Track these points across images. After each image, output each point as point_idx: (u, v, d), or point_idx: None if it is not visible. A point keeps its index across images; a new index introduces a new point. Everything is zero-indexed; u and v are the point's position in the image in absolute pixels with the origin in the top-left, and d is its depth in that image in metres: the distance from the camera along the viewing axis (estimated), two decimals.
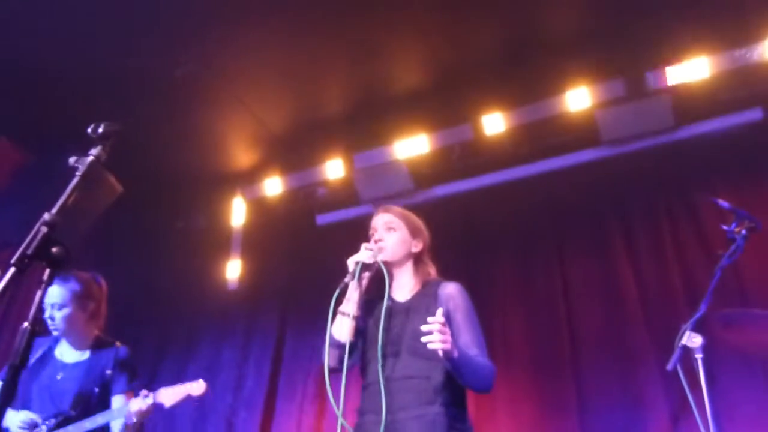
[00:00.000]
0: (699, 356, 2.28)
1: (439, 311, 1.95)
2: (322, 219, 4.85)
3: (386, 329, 2.18)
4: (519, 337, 3.97)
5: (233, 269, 5.08)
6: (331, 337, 2.19)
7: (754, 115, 3.73)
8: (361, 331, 2.30)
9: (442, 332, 1.89)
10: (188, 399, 2.84)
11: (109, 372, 2.87)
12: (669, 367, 2.29)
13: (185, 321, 5.09)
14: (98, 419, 2.71)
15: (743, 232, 2.42)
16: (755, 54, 3.66)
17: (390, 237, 2.36)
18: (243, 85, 4.21)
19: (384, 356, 2.12)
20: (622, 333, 3.69)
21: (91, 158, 1.39)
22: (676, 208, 3.91)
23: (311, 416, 4.32)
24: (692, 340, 2.30)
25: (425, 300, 2.24)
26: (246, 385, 4.73)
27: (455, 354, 1.95)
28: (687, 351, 2.31)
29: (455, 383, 2.09)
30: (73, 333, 2.90)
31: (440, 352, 1.89)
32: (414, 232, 2.41)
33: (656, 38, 3.81)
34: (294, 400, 4.44)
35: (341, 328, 2.21)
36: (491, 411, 3.83)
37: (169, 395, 2.80)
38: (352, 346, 2.21)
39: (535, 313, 4.01)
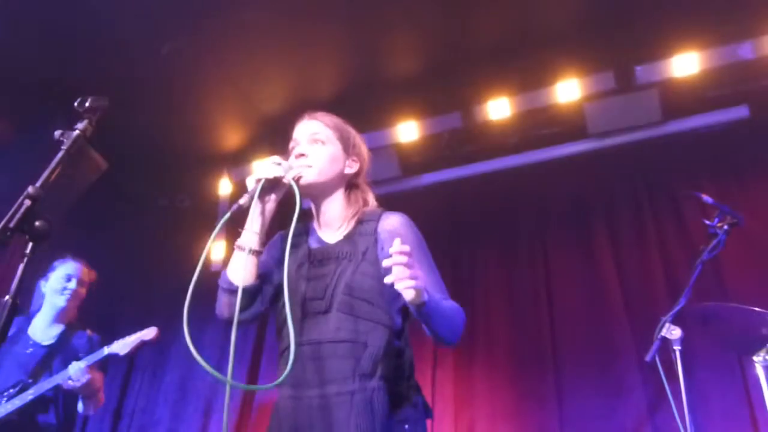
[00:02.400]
0: (677, 348, 2.32)
1: (397, 241, 1.44)
2: (308, 202, 4.83)
3: (308, 279, 1.70)
4: (501, 325, 4.00)
5: (217, 250, 5.05)
6: (224, 279, 1.72)
7: (740, 112, 3.76)
8: (268, 276, 1.79)
9: (409, 266, 1.42)
10: (142, 346, 2.98)
11: (82, 356, 2.98)
12: (648, 358, 2.33)
13: (167, 300, 5.05)
14: (54, 379, 2.85)
15: (725, 227, 2.46)
16: (744, 51, 3.68)
17: (317, 152, 1.81)
18: (232, 63, 4.15)
19: (305, 315, 1.66)
20: (602, 324, 3.73)
21: (77, 132, 1.37)
22: (660, 202, 3.95)
23: None
24: (671, 332, 2.34)
25: (362, 240, 1.73)
26: (227, 365, 4.72)
27: (425, 297, 1.47)
28: (666, 343, 2.35)
29: (399, 350, 1.67)
30: (69, 311, 3.12)
31: (409, 294, 1.42)
32: (348, 148, 1.87)
33: (647, 32, 3.81)
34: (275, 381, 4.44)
35: (237, 267, 1.69)
36: (470, 397, 3.87)
37: (121, 345, 2.94)
38: (254, 290, 1.71)
39: (517, 302, 4.04)
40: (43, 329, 3.06)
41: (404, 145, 4.42)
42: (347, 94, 4.37)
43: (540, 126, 4.22)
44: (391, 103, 4.37)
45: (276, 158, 1.71)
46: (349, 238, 1.77)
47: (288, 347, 1.60)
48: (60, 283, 3.09)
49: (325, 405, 1.57)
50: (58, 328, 3.08)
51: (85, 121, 1.39)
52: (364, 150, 1.93)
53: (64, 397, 2.94)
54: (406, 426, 1.61)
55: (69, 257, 3.18)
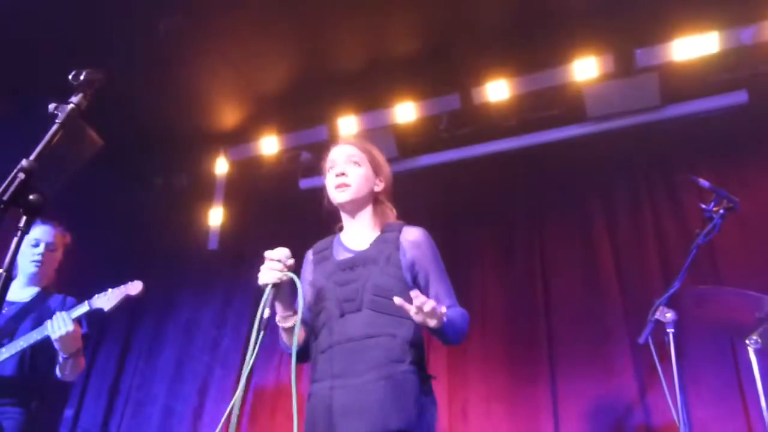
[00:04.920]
0: (670, 330, 2.34)
1: (415, 293, 1.74)
2: (305, 183, 4.82)
3: (341, 284, 1.98)
4: (496, 306, 4.02)
5: (214, 230, 5.05)
6: (283, 345, 2.03)
7: (739, 97, 3.75)
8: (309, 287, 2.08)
9: (427, 305, 1.73)
10: (127, 300, 2.86)
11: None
12: (641, 340, 2.34)
13: (163, 279, 5.07)
14: (33, 335, 2.76)
15: (721, 211, 2.46)
16: (744, 36, 3.66)
17: (354, 172, 2.11)
18: (229, 41, 4.12)
19: (341, 314, 1.94)
20: (597, 306, 3.75)
21: (71, 106, 1.36)
22: (657, 185, 3.95)
23: (289, 377, 4.36)
24: (665, 314, 2.36)
25: (386, 248, 2.02)
26: (222, 344, 4.76)
27: (444, 320, 1.79)
28: (659, 325, 2.36)
29: (420, 340, 1.96)
30: (43, 275, 3.06)
31: (432, 323, 1.75)
32: (377, 169, 2.18)
33: (647, 16, 3.79)
34: (272, 360, 4.47)
35: (285, 339, 2.01)
36: (464, 378, 3.90)
37: (105, 299, 2.83)
38: (304, 349, 2.03)
39: (512, 284, 4.05)
40: (17, 291, 3.01)
41: (402, 126, 4.41)
42: (346, 74, 4.35)
43: (539, 109, 4.21)
44: (390, 84, 4.34)
45: (271, 262, 1.85)
46: (374, 245, 2.04)
47: (329, 346, 1.91)
48: (29, 249, 3.00)
49: (363, 389, 1.82)
50: (33, 290, 3.02)
51: (80, 95, 1.38)
52: (387, 170, 2.22)
53: (32, 355, 2.82)
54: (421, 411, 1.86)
55: (39, 220, 2.99)
